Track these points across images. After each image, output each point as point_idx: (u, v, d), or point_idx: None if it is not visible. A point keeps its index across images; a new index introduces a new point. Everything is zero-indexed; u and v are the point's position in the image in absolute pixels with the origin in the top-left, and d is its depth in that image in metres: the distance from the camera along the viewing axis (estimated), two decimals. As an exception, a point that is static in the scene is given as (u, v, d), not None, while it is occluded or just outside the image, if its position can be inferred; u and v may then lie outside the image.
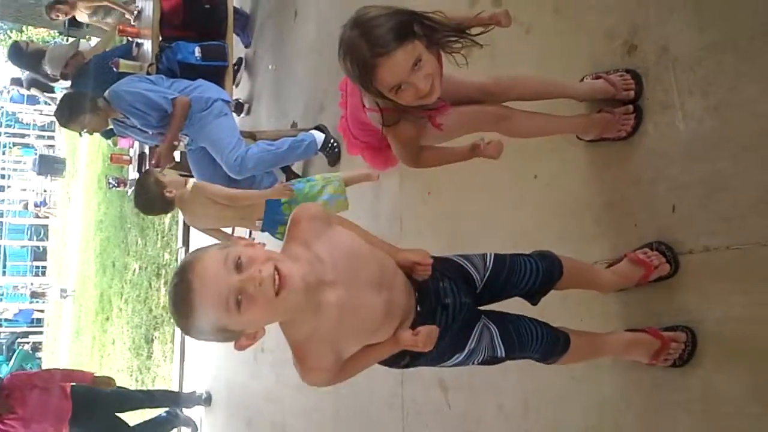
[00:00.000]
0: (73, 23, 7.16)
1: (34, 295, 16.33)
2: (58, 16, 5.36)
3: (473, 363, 1.69)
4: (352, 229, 1.58)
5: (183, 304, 1.26)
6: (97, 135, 4.69)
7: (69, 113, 3.98)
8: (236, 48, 4.96)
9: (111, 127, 4.19)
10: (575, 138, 2.16)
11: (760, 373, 1.63)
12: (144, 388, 8.38)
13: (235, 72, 5.22)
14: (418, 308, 1.56)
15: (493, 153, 1.75)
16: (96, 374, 5.22)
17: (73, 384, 4.99)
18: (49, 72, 5.11)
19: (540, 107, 2.04)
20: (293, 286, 1.28)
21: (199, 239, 6.88)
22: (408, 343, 1.46)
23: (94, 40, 6.41)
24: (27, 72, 6.13)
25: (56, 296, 14.49)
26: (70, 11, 5.44)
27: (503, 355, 1.68)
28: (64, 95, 4.24)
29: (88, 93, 4.13)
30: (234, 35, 4.91)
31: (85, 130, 4.08)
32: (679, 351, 1.79)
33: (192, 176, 4.71)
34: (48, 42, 21.78)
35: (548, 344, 1.71)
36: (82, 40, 5.66)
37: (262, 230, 3.40)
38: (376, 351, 1.51)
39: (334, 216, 1.59)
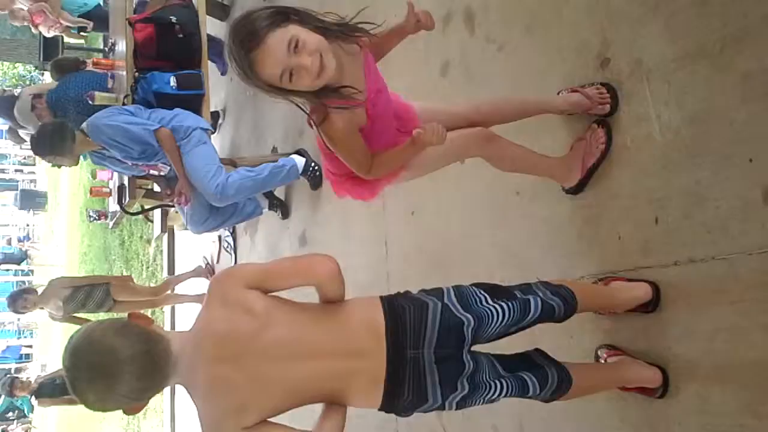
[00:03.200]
0: (48, 56, 7.12)
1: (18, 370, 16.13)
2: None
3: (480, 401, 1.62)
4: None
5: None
6: (75, 168, 4.62)
7: (51, 144, 3.91)
8: (213, 76, 4.94)
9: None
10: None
11: (754, 385, 1.61)
12: (136, 422, 8.27)
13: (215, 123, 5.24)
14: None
15: (431, 138, 1.63)
16: None
17: None
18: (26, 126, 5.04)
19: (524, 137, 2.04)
20: None
21: (185, 267, 6.84)
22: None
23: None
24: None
25: (38, 371, 14.12)
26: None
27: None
28: (44, 125, 4.16)
29: (69, 124, 4.07)
30: (210, 62, 4.89)
31: (55, 165, 4.02)
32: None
33: (172, 205, 4.70)
34: (24, 76, 21.71)
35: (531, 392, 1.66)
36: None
37: None
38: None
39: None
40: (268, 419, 1.46)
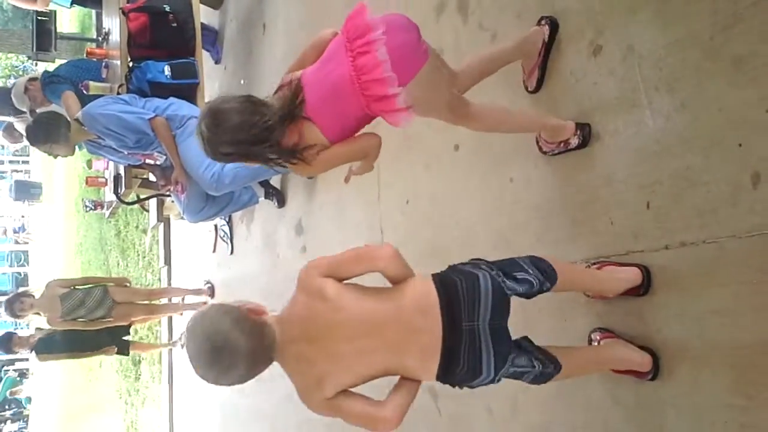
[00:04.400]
0: (41, 46, 7.08)
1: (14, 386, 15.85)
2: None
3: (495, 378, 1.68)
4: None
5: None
6: (70, 158, 4.61)
7: (45, 133, 3.91)
8: (207, 65, 4.94)
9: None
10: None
11: (743, 366, 1.64)
12: (134, 412, 8.30)
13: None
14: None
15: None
16: None
17: None
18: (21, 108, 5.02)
19: None
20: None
21: (181, 258, 6.85)
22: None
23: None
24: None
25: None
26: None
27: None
28: (40, 114, 4.16)
29: (63, 116, 4.07)
30: (204, 51, 4.89)
31: (51, 154, 4.02)
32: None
33: (168, 195, 4.71)
34: (17, 67, 21.60)
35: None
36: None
37: None
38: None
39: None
40: (348, 389, 1.59)
